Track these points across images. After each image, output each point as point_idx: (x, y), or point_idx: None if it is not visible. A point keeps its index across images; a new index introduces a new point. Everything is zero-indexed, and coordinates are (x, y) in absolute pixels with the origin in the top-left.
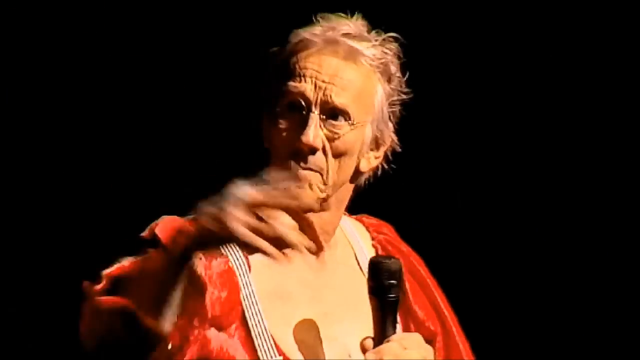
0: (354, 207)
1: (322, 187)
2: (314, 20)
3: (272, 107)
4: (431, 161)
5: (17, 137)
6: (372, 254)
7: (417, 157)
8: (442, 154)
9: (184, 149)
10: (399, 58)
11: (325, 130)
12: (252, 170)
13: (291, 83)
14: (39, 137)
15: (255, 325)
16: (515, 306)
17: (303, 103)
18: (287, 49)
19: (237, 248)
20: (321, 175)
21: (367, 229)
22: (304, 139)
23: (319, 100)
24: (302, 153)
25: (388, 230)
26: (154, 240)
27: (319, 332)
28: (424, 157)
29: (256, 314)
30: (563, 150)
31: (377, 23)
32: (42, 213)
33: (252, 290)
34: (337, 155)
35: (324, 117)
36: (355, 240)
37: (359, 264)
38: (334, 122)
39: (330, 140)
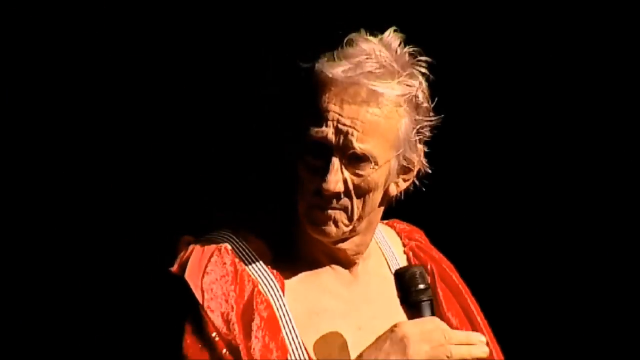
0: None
1: (347, 222)
2: (343, 43)
3: (297, 139)
4: (459, 166)
5: (19, 138)
6: (404, 261)
7: (445, 164)
8: (471, 159)
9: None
10: (428, 79)
11: (348, 172)
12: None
13: (313, 127)
14: (45, 140)
15: (291, 342)
16: (545, 311)
17: (325, 146)
18: (311, 81)
19: (268, 270)
20: (346, 212)
21: (399, 235)
22: (325, 186)
23: (340, 144)
24: (323, 193)
25: (420, 237)
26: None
27: (353, 348)
28: (452, 164)
29: (291, 331)
30: (593, 163)
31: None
32: (48, 215)
33: (287, 311)
34: (362, 194)
35: (346, 161)
36: (387, 248)
37: (391, 271)
38: (357, 163)
39: (354, 182)
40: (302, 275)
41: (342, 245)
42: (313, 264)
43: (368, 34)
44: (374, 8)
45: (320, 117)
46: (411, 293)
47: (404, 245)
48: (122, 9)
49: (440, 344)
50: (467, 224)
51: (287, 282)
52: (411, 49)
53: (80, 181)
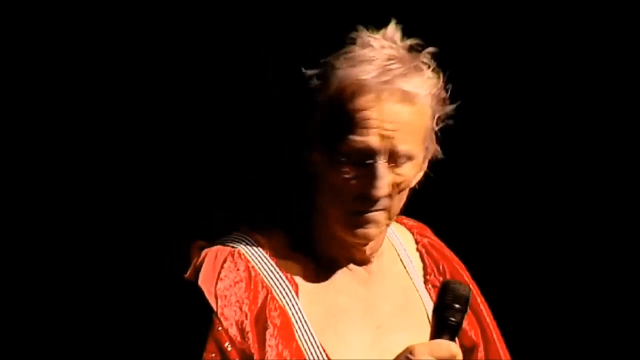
0: None
1: (386, 221)
2: (355, 45)
3: (326, 147)
4: (462, 165)
5: (19, 139)
6: (417, 258)
7: (448, 162)
8: (475, 157)
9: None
10: (442, 74)
11: (392, 175)
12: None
13: (352, 136)
14: (44, 140)
15: (308, 346)
16: (552, 312)
17: (366, 152)
18: (340, 88)
19: (282, 274)
20: (386, 212)
21: (410, 231)
22: (375, 192)
23: (384, 149)
24: (370, 198)
25: (430, 234)
26: (197, 287)
27: (373, 347)
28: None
29: (308, 335)
30: (598, 162)
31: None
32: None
33: (302, 315)
34: (401, 192)
35: (390, 164)
36: (399, 244)
37: (405, 268)
38: (399, 164)
39: (396, 181)
40: (317, 276)
41: (368, 245)
42: (328, 264)
43: (369, 30)
44: (375, 6)
45: (360, 125)
46: (444, 307)
47: (417, 242)
48: (122, 9)
49: None
50: (470, 223)
51: (301, 284)
52: (415, 42)
53: (79, 181)
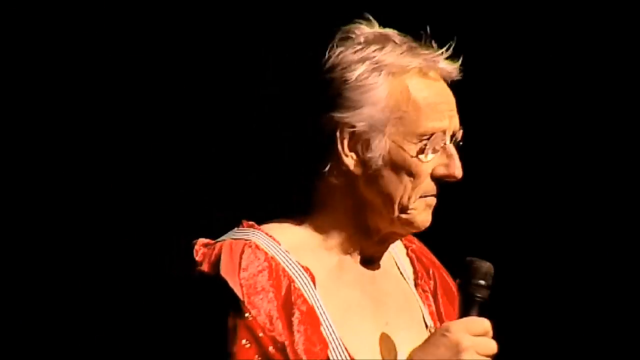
0: None
1: None
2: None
3: (391, 140)
4: None
5: (19, 139)
6: (408, 263)
7: None
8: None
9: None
10: None
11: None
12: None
13: (432, 123)
14: (45, 140)
15: (330, 337)
16: (539, 320)
17: (438, 137)
18: (397, 81)
19: (299, 265)
20: None
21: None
22: (457, 172)
23: (452, 129)
24: (440, 182)
25: (416, 241)
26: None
27: (385, 342)
28: None
29: (329, 326)
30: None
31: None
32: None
33: (322, 306)
34: None
35: (452, 142)
36: (393, 248)
37: (400, 271)
38: (456, 142)
39: None
40: (331, 271)
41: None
42: (340, 260)
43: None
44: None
45: (434, 111)
46: (470, 285)
47: (406, 248)
48: (122, 9)
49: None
50: (454, 227)
51: (317, 277)
52: None
53: (79, 181)
